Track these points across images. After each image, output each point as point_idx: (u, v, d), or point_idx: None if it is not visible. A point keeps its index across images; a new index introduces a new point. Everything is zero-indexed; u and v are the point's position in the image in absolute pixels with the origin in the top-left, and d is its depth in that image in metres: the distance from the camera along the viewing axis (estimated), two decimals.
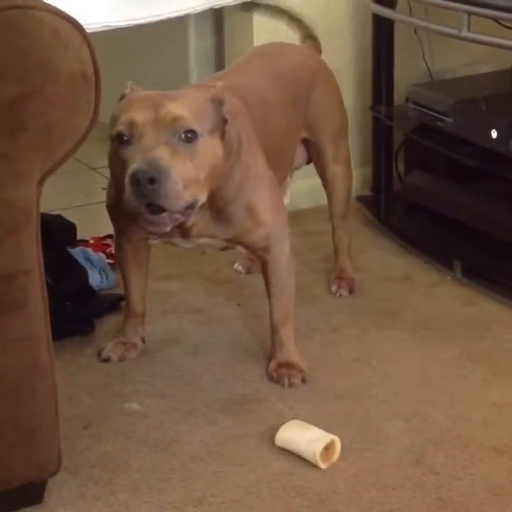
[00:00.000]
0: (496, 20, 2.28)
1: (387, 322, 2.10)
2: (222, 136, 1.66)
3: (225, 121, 1.66)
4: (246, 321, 2.12)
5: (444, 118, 2.37)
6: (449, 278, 2.30)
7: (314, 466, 1.61)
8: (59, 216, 2.31)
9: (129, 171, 1.55)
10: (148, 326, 2.08)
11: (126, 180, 1.55)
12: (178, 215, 1.60)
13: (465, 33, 2.21)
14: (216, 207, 1.72)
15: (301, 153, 2.13)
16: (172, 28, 2.79)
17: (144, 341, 2.00)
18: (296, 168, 2.19)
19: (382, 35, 2.58)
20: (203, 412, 1.78)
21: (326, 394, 1.83)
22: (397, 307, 2.17)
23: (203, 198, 1.63)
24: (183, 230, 1.74)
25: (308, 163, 2.20)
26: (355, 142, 2.75)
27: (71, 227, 2.29)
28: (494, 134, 2.22)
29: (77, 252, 2.23)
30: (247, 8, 2.31)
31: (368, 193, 2.73)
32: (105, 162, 3.33)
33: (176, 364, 1.95)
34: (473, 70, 2.70)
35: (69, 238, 2.27)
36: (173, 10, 2.39)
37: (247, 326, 2.10)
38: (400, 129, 2.63)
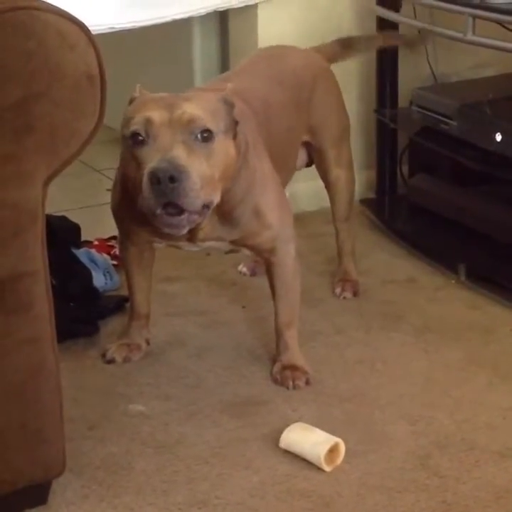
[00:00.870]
0: (500, 23, 2.28)
1: (392, 325, 2.10)
2: (235, 137, 1.66)
3: (236, 122, 1.67)
4: (250, 324, 2.12)
5: (449, 121, 2.37)
6: (453, 281, 2.29)
7: (319, 468, 1.61)
8: (63, 217, 2.32)
9: (148, 169, 1.54)
10: (153, 327, 2.08)
11: (145, 179, 1.54)
12: (195, 216, 1.59)
13: (470, 37, 2.21)
14: (223, 210, 1.72)
15: (301, 155, 2.13)
16: (177, 31, 2.80)
17: (148, 343, 2.00)
18: (296, 170, 2.19)
19: None
20: (207, 414, 1.78)
21: (331, 396, 1.83)
22: (401, 310, 2.17)
23: (217, 198, 1.63)
24: (190, 234, 1.74)
25: (308, 165, 2.20)
26: (360, 145, 2.75)
27: (75, 229, 2.30)
28: (498, 137, 2.22)
29: (81, 254, 2.23)
30: None
31: (372, 195, 2.73)
32: (110, 164, 3.33)
33: (180, 366, 1.95)
34: (477, 73, 2.70)
35: (73, 239, 2.27)
36: (177, 12, 2.39)
37: (252, 329, 2.10)
38: (404, 132, 2.63)
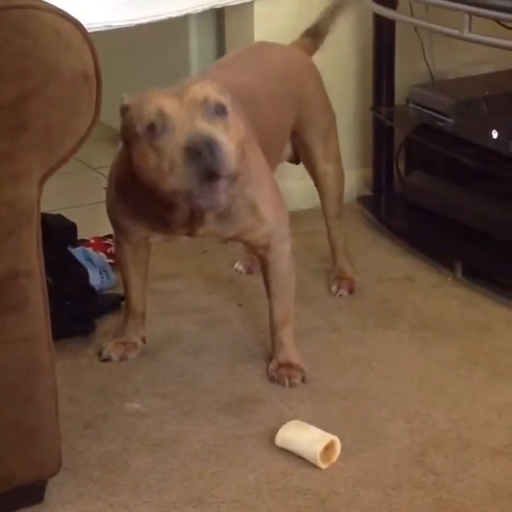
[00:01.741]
0: (497, 20, 2.28)
1: (388, 323, 2.10)
2: None
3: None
4: (247, 322, 2.12)
5: (445, 118, 2.37)
6: (449, 279, 2.29)
7: (314, 466, 1.61)
8: (59, 216, 2.31)
9: (183, 145, 1.53)
10: (149, 326, 2.08)
11: (179, 156, 1.53)
12: (231, 185, 1.58)
13: (466, 34, 2.20)
14: None
15: (285, 149, 2.14)
16: (173, 28, 2.79)
17: (144, 341, 2.00)
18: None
19: (383, 36, 2.58)
20: (203, 412, 1.78)
21: (326, 394, 1.83)
22: (397, 308, 2.17)
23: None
24: (189, 229, 1.74)
25: (297, 163, 2.20)
26: (356, 142, 2.75)
27: (72, 227, 2.29)
28: (495, 134, 2.22)
29: (77, 252, 2.23)
30: None
31: (368, 193, 2.73)
32: (106, 162, 3.32)
33: (176, 364, 1.95)
34: (474, 70, 2.70)
35: (69, 238, 2.27)
36: (174, 10, 2.39)
37: (248, 327, 2.10)
38: (400, 130, 2.63)
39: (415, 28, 2.61)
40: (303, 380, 1.86)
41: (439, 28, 2.34)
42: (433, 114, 2.41)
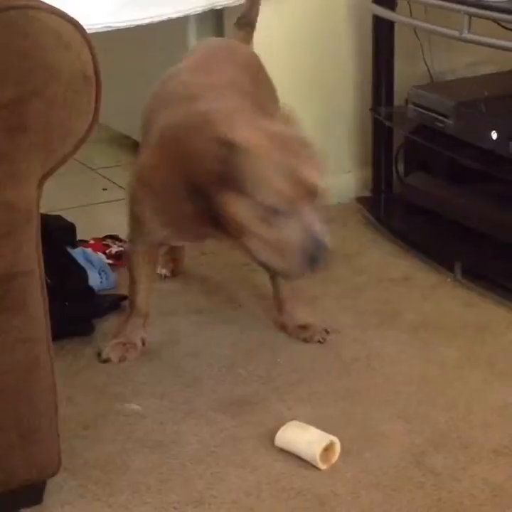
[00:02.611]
0: (496, 21, 2.28)
1: (388, 323, 2.10)
2: None
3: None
4: (246, 323, 2.12)
5: (444, 119, 2.37)
6: (449, 279, 2.29)
7: (314, 467, 1.61)
8: (59, 217, 2.31)
9: (303, 248, 1.63)
10: (148, 326, 2.08)
11: (297, 254, 1.63)
12: None
13: (466, 35, 2.21)
14: None
15: None
16: (173, 29, 2.79)
17: (144, 343, 2.00)
18: None
19: (382, 37, 2.58)
20: (202, 413, 1.78)
21: (326, 395, 1.83)
22: (397, 308, 2.17)
23: None
24: (219, 238, 1.78)
25: None
26: (355, 143, 2.75)
27: (71, 228, 2.29)
28: (494, 135, 2.22)
29: (77, 253, 2.23)
30: None
31: (368, 194, 2.73)
32: (105, 163, 3.33)
33: (175, 365, 1.95)
34: (473, 71, 2.70)
35: (69, 239, 2.27)
36: (173, 11, 2.39)
37: (248, 328, 2.10)
38: (400, 131, 2.63)
39: (414, 29, 2.61)
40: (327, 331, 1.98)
41: (438, 29, 2.35)
42: (432, 115, 2.41)
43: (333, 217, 2.43)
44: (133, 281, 1.99)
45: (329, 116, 2.69)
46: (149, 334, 2.04)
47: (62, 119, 1.36)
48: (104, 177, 3.05)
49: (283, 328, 2.05)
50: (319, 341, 2.00)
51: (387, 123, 2.61)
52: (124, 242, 2.43)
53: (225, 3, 2.49)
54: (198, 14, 2.52)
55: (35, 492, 1.52)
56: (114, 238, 2.46)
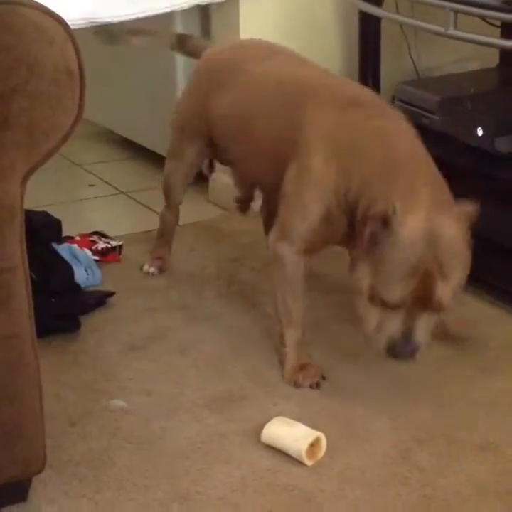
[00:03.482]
0: (482, 18, 2.28)
1: None
2: None
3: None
4: (233, 318, 2.12)
5: (430, 115, 2.38)
6: None
7: (300, 463, 1.61)
8: (44, 213, 2.30)
9: (389, 340, 1.66)
10: (135, 323, 2.08)
11: (384, 343, 1.67)
12: None
13: (451, 31, 2.21)
14: None
15: None
16: (159, 25, 2.78)
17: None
18: None
19: (368, 33, 2.58)
20: (188, 409, 1.78)
21: (312, 391, 1.83)
22: None
23: None
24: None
25: None
26: None
27: (56, 224, 2.28)
28: (480, 131, 2.22)
29: (62, 249, 2.22)
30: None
31: None
32: (91, 158, 3.31)
33: (162, 361, 1.95)
34: (460, 67, 2.70)
35: (54, 235, 2.26)
36: (160, 6, 2.39)
37: (235, 323, 2.10)
38: None
39: (401, 26, 2.61)
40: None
41: (424, 25, 2.35)
42: (419, 111, 2.41)
43: None
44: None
45: None
46: (135, 330, 2.04)
47: (46, 115, 1.35)
48: (90, 173, 3.05)
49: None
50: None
51: None
52: (111, 238, 2.44)
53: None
54: (184, 10, 2.52)
55: (20, 489, 1.52)
56: (101, 234, 2.46)
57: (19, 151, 1.34)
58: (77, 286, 2.15)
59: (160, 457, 1.64)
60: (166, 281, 2.30)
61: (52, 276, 2.07)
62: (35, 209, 2.24)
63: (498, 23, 2.47)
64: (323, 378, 1.86)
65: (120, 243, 2.41)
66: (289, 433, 1.65)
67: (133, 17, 2.34)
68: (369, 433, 1.70)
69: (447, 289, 1.60)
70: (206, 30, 2.78)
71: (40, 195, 2.52)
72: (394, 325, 1.65)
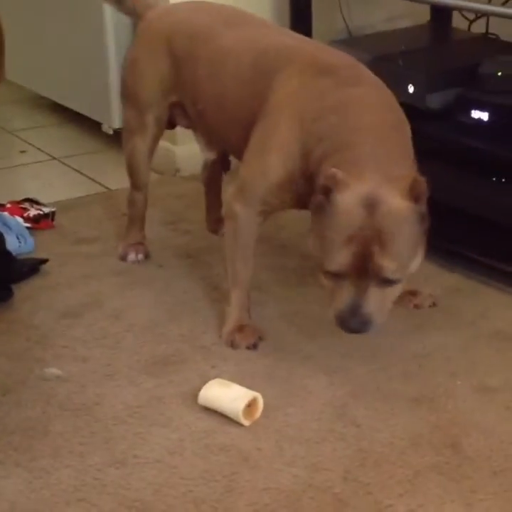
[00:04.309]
0: None
1: (310, 279, 2.11)
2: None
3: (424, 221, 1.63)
4: (168, 282, 2.11)
5: None
6: None
7: (237, 423, 1.62)
8: None
9: (337, 314, 1.63)
10: (69, 290, 2.06)
11: (334, 315, 1.64)
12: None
13: None
14: None
15: None
16: None
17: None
18: None
19: None
20: (125, 374, 1.77)
21: (250, 352, 1.83)
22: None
23: None
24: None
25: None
26: None
27: None
28: (411, 88, 2.23)
29: None
30: None
31: None
32: (22, 124, 3.24)
33: (97, 327, 1.93)
34: (391, 25, 2.70)
35: None
36: None
37: (169, 287, 2.08)
38: None
39: None
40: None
41: None
42: None
43: None
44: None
45: None
46: (70, 297, 2.01)
47: None
48: (21, 139, 2.99)
49: None
50: (430, 306, 1.99)
51: None
52: (43, 205, 2.40)
53: None
54: None
55: None
56: (33, 201, 2.42)
57: None
58: (9, 254, 2.11)
59: (96, 423, 1.63)
60: (100, 247, 2.28)
61: None
62: None
63: None
64: (261, 339, 1.86)
65: (53, 210, 2.38)
66: (226, 394, 1.65)
67: None
68: (305, 391, 1.71)
69: (386, 257, 1.58)
70: None
71: None
72: (342, 297, 1.63)
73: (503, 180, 2.10)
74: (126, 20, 2.77)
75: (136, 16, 2.14)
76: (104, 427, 1.62)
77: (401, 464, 1.52)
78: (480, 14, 2.57)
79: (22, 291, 2.05)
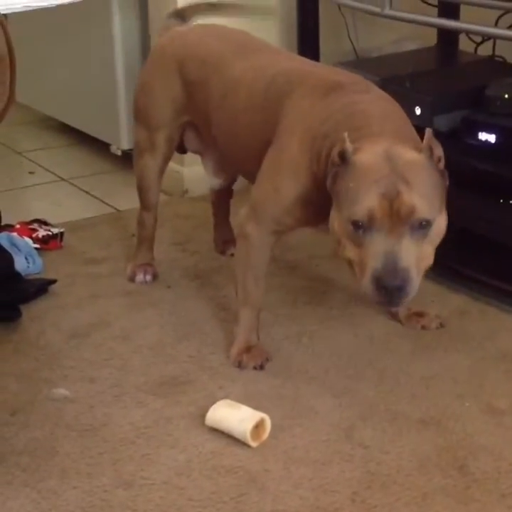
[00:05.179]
0: None
1: (317, 300, 2.11)
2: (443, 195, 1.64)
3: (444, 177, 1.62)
4: (175, 303, 2.11)
5: None
6: None
7: (245, 444, 1.62)
8: None
9: (373, 273, 1.55)
10: (77, 310, 2.06)
11: (369, 279, 1.56)
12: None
13: (387, 11, 2.22)
14: None
15: None
16: (95, 8, 2.75)
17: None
18: None
19: (307, 13, 2.58)
20: (132, 395, 1.77)
21: (257, 373, 1.83)
22: (326, 285, 2.18)
23: None
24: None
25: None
26: None
27: None
28: (418, 110, 2.24)
29: (1, 238, 2.20)
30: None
31: None
32: (31, 146, 3.26)
33: (105, 348, 1.93)
34: (398, 47, 2.72)
35: None
36: None
37: (177, 308, 2.09)
38: None
39: (339, 6, 2.62)
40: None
41: (361, 5, 2.35)
42: None
43: None
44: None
45: None
46: (78, 318, 2.02)
47: None
48: (30, 160, 3.01)
49: (394, 317, 2.00)
50: (437, 327, 1.97)
51: None
52: (51, 225, 2.41)
53: None
54: None
55: None
56: (41, 222, 2.43)
57: None
58: (18, 274, 2.12)
59: (104, 444, 1.63)
60: (108, 268, 2.29)
61: None
62: None
63: (436, 2, 2.49)
64: (268, 360, 1.86)
65: (61, 230, 2.39)
66: (234, 415, 1.65)
67: (68, 0, 2.31)
68: (313, 412, 1.71)
69: (415, 194, 1.55)
70: (144, 17, 2.76)
71: None
72: (376, 252, 1.55)
73: (511, 201, 2.10)
74: (135, 42, 2.80)
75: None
76: (111, 447, 1.62)
77: (409, 486, 1.52)
78: (487, 37, 2.58)
79: (30, 311, 2.06)
